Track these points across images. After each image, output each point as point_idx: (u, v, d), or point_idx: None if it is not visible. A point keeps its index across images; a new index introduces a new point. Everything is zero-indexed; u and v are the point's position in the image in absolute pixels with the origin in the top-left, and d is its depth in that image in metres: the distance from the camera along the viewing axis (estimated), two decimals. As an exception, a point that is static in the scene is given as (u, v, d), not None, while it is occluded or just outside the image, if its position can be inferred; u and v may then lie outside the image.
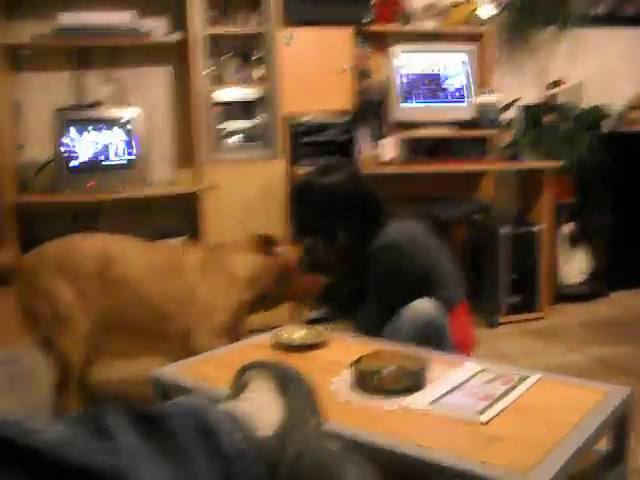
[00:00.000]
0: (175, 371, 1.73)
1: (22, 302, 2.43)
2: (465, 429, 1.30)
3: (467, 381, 1.55)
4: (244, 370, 0.93)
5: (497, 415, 1.35)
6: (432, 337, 2.12)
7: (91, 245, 2.48)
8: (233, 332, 2.52)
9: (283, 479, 0.75)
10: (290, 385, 0.86)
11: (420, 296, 2.29)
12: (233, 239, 2.72)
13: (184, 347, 2.42)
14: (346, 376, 1.58)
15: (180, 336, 2.43)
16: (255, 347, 1.94)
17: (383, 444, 1.26)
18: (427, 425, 1.34)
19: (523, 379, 1.56)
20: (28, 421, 0.62)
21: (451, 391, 1.49)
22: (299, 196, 2.52)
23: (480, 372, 1.61)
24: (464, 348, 2.29)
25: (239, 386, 0.91)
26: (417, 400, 1.44)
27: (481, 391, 1.47)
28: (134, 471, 0.61)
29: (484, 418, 1.32)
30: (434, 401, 1.43)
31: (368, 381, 1.51)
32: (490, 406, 1.38)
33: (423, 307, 2.20)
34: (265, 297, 2.56)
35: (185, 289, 2.43)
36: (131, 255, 2.48)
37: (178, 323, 2.42)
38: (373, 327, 2.26)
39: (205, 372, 1.70)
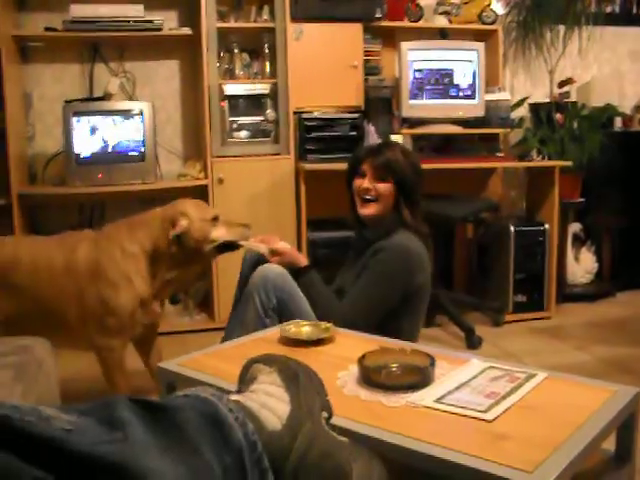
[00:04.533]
0: (181, 364, 1.73)
1: None
2: (471, 426, 1.30)
3: (473, 378, 1.54)
4: (251, 363, 0.93)
5: (503, 413, 1.34)
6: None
7: None
8: (134, 328, 2.48)
9: (292, 470, 0.75)
10: (298, 378, 0.86)
11: (397, 316, 2.31)
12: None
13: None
14: (353, 371, 1.58)
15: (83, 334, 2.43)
16: (261, 341, 1.94)
17: (388, 439, 1.25)
18: (433, 422, 1.34)
19: (530, 377, 1.55)
20: (39, 409, 0.62)
21: (457, 388, 1.48)
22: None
23: (486, 369, 1.61)
24: None
25: (247, 379, 0.91)
26: (423, 397, 1.43)
27: (487, 389, 1.47)
28: (142, 463, 0.61)
29: (490, 416, 1.32)
30: (440, 398, 1.42)
31: (374, 377, 1.51)
32: (496, 404, 1.38)
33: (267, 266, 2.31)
34: (170, 281, 2.49)
35: (77, 289, 2.38)
36: (24, 258, 2.42)
37: (76, 323, 2.39)
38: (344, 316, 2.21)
39: (211, 365, 1.70)
